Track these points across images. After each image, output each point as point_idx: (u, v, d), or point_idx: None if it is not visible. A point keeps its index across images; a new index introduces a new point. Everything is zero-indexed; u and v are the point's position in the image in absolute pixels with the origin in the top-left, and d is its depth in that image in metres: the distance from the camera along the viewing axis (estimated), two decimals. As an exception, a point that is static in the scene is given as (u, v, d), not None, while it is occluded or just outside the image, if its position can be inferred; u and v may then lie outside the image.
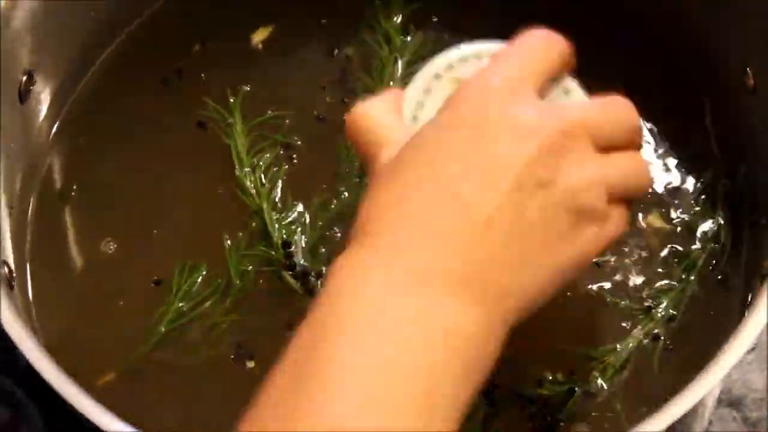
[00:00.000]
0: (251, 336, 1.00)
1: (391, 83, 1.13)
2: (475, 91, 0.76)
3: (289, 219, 1.06)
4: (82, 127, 1.14)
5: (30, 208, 1.09)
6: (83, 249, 1.07)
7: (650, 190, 1.07)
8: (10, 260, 1.01)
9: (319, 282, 1.02)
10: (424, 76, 0.87)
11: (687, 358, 0.98)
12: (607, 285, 1.03)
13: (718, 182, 1.08)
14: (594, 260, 0.88)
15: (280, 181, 1.08)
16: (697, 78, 1.13)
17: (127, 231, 1.07)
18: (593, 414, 0.96)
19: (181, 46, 1.18)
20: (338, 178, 1.09)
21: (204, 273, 1.03)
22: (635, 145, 0.86)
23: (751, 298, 0.99)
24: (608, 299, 1.02)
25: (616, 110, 0.85)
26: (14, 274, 1.00)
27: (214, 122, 1.12)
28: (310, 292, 1.01)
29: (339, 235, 1.05)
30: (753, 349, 1.16)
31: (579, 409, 0.96)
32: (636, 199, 0.87)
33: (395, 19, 1.18)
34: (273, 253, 1.04)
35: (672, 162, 1.10)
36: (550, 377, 0.98)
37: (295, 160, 1.10)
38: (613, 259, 1.04)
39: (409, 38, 1.17)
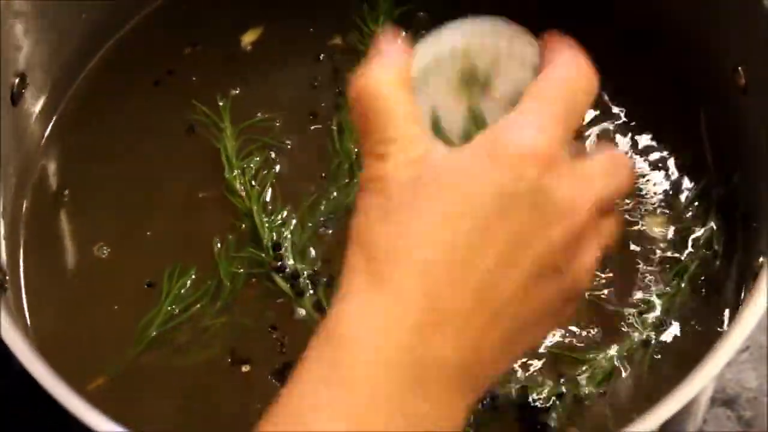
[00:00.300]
0: (244, 339, 1.00)
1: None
2: (511, 149, 0.67)
3: (279, 221, 1.06)
4: (74, 130, 1.14)
5: (23, 211, 1.09)
6: (76, 252, 1.08)
7: (646, 197, 1.08)
8: (4, 263, 1.01)
9: (308, 284, 1.02)
10: (433, 50, 0.80)
11: (677, 363, 0.98)
12: (599, 290, 1.03)
13: (711, 189, 1.08)
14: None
15: (269, 184, 1.09)
16: (690, 80, 1.13)
17: (119, 234, 1.07)
18: (582, 419, 0.96)
19: (172, 49, 1.18)
20: (328, 180, 1.09)
21: (194, 276, 1.03)
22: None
23: (744, 297, 1.00)
24: (600, 304, 1.02)
25: (624, 176, 0.77)
26: (7, 277, 1.00)
27: (204, 126, 1.12)
28: (300, 294, 1.02)
29: (329, 235, 1.06)
30: (747, 348, 1.16)
31: (568, 413, 0.96)
32: None
33: (382, 22, 1.18)
34: (263, 255, 1.04)
35: (666, 169, 1.10)
36: (540, 382, 0.98)
37: (285, 162, 1.11)
38: (606, 264, 1.04)
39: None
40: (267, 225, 1.05)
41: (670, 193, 1.09)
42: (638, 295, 1.03)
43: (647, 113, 1.13)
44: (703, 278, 1.04)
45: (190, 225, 1.07)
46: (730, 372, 1.15)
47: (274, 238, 1.05)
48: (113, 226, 1.08)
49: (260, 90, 1.15)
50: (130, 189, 1.10)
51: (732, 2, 1.03)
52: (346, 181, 1.09)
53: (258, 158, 1.10)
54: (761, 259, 0.96)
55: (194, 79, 1.16)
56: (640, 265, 1.04)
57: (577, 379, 0.98)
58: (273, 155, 1.10)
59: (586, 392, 0.97)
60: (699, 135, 1.11)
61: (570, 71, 0.74)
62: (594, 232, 0.72)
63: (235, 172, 1.09)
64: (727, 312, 1.01)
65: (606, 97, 1.14)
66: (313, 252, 1.04)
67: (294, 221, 1.06)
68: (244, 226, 1.06)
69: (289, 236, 1.05)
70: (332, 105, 1.14)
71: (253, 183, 1.08)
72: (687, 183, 1.09)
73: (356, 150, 1.10)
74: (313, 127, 1.13)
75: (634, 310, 1.02)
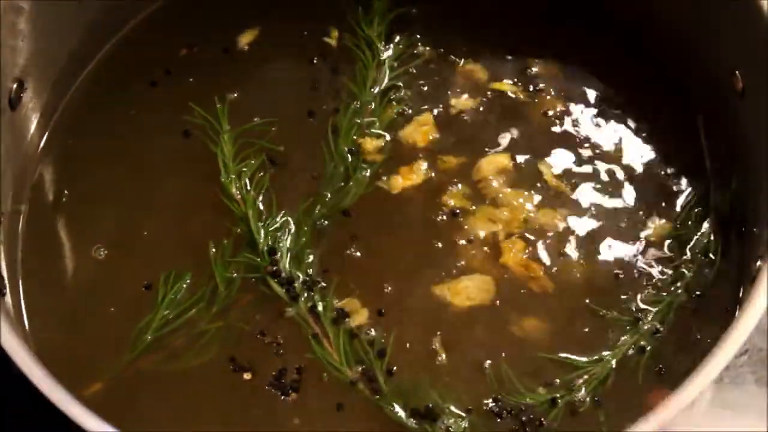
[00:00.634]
0: (239, 344, 1.01)
1: (375, 88, 1.14)
2: None
3: (274, 225, 1.06)
4: (72, 135, 1.15)
5: (21, 215, 1.09)
6: (74, 255, 1.08)
7: (645, 203, 1.08)
8: (2, 268, 1.01)
9: (304, 288, 1.02)
10: None
11: (671, 371, 0.98)
12: (596, 296, 1.03)
13: (709, 195, 1.08)
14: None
15: (265, 188, 1.09)
16: (689, 86, 1.13)
17: (117, 237, 1.08)
18: (576, 425, 0.96)
19: (169, 53, 1.18)
20: (323, 184, 1.09)
21: (189, 280, 1.04)
22: None
23: (741, 300, 1.00)
24: (596, 310, 1.02)
25: None
26: (6, 282, 1.00)
27: (201, 129, 1.13)
28: (295, 299, 1.02)
29: (324, 240, 1.06)
30: (745, 351, 1.16)
31: (561, 419, 0.96)
32: None
33: (377, 24, 1.18)
34: (258, 259, 1.04)
35: (665, 176, 1.10)
36: (534, 387, 0.98)
37: (280, 166, 1.11)
38: (601, 271, 1.05)
39: (391, 45, 1.17)
40: (262, 230, 1.05)
41: (669, 199, 1.09)
42: (634, 302, 1.03)
43: (647, 119, 1.13)
44: (699, 284, 1.04)
45: (187, 228, 1.08)
46: (728, 376, 1.15)
47: (270, 242, 1.05)
48: (111, 229, 1.08)
49: (257, 93, 1.16)
50: (128, 192, 1.10)
51: (729, 7, 1.04)
52: (341, 184, 1.09)
53: (254, 162, 1.10)
54: (758, 263, 0.96)
55: (191, 80, 1.17)
56: (638, 272, 1.04)
57: (571, 385, 0.98)
58: (268, 159, 1.11)
59: (580, 398, 0.97)
60: (698, 141, 1.11)
61: None
62: None
63: (232, 176, 1.09)
64: (724, 316, 1.01)
65: (605, 104, 1.15)
66: (308, 257, 1.04)
67: (289, 226, 1.06)
68: (239, 230, 1.06)
69: (284, 241, 1.05)
70: (328, 107, 1.14)
71: (249, 187, 1.08)
72: (685, 189, 1.09)
73: (351, 153, 1.10)
74: (308, 131, 1.13)
75: (630, 318, 1.01)
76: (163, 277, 1.03)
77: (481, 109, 1.15)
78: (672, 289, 1.03)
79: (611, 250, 1.06)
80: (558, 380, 0.98)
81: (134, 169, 1.11)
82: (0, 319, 0.86)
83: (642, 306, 1.02)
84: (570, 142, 1.12)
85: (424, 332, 1.01)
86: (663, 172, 1.10)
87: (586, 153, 1.12)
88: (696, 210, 1.08)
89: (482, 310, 1.02)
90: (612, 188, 1.10)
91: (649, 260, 1.05)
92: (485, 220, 1.07)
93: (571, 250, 1.06)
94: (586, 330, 1.01)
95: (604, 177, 1.10)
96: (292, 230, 1.06)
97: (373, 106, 1.13)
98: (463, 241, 1.06)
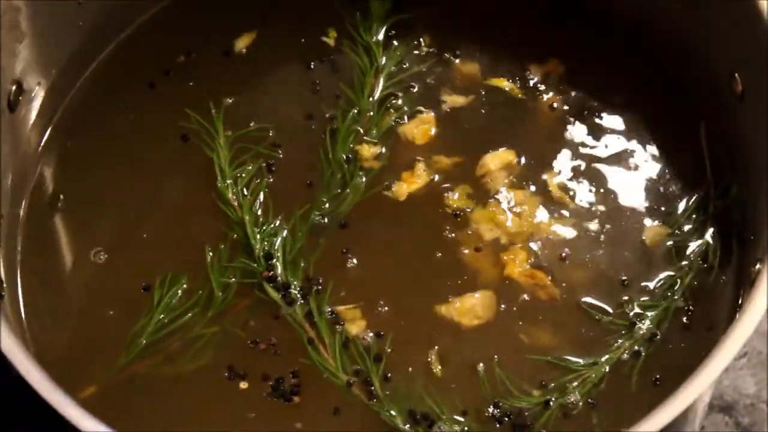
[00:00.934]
0: (235, 349, 1.01)
1: (373, 95, 1.14)
2: None
3: (271, 231, 1.06)
4: (71, 137, 1.15)
5: (20, 217, 1.09)
6: (73, 258, 1.08)
7: (645, 208, 1.08)
8: (1, 270, 1.01)
9: (299, 293, 1.02)
10: None
11: (667, 375, 0.98)
12: (594, 301, 1.03)
13: (709, 201, 1.08)
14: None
15: (261, 193, 1.09)
16: (689, 90, 1.13)
17: (115, 240, 1.08)
18: (570, 428, 0.96)
19: (168, 55, 1.18)
20: (319, 189, 1.09)
21: (184, 285, 1.04)
22: None
23: (741, 303, 1.00)
24: (591, 314, 1.02)
25: None
26: (4, 284, 1.00)
27: (197, 135, 1.13)
28: (291, 304, 1.01)
29: (320, 245, 1.06)
30: (744, 354, 1.16)
31: (554, 422, 0.96)
32: None
33: (375, 30, 1.18)
34: (254, 265, 1.04)
35: (665, 180, 1.10)
36: (527, 390, 0.98)
37: (277, 172, 1.11)
38: (599, 274, 1.05)
39: (390, 51, 1.17)
40: (259, 235, 1.05)
41: (668, 203, 1.09)
42: (631, 306, 1.02)
43: (646, 122, 1.13)
44: (698, 289, 1.03)
45: (184, 232, 1.08)
46: (727, 378, 1.15)
47: (266, 248, 1.04)
48: (110, 231, 1.09)
49: (253, 98, 1.16)
50: (127, 194, 1.10)
51: (729, 8, 1.03)
52: (338, 191, 1.09)
53: (251, 167, 1.10)
54: (758, 266, 0.96)
55: (190, 83, 1.16)
56: (636, 277, 1.04)
57: (566, 388, 0.98)
58: (265, 164, 1.10)
59: (574, 401, 0.97)
60: (698, 144, 1.11)
61: None
62: None
63: (228, 182, 1.09)
64: (722, 320, 1.01)
65: (604, 105, 1.15)
66: (303, 262, 1.04)
67: (285, 231, 1.06)
68: (236, 235, 1.06)
69: (280, 246, 1.05)
70: (325, 113, 1.14)
71: (246, 192, 1.08)
72: (685, 193, 1.09)
73: (348, 160, 1.10)
74: (306, 137, 1.13)
75: (626, 321, 1.01)
76: (159, 281, 1.03)
77: (481, 110, 1.14)
78: (669, 294, 1.03)
79: (609, 254, 1.06)
80: (552, 383, 0.98)
81: (133, 171, 1.12)
82: (-1, 322, 0.86)
83: (638, 310, 1.02)
84: (569, 142, 1.12)
85: (423, 341, 1.01)
86: (662, 176, 1.10)
87: (585, 154, 1.11)
88: (695, 214, 1.07)
89: (489, 326, 1.02)
90: (610, 191, 1.09)
91: (647, 265, 1.05)
92: (488, 220, 1.07)
93: (570, 255, 1.06)
94: (583, 333, 1.01)
95: (603, 180, 1.10)
96: (288, 236, 1.06)
97: (371, 114, 1.13)
98: (466, 250, 1.06)
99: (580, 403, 0.97)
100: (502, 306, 1.03)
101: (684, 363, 0.94)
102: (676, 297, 1.02)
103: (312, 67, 1.17)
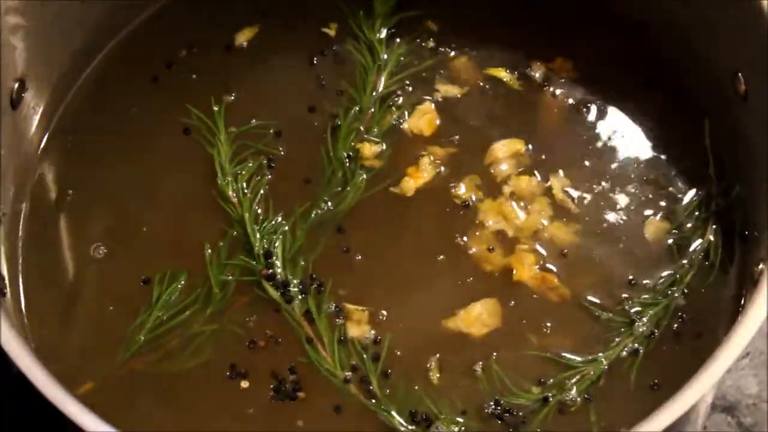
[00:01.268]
0: (234, 347, 1.00)
1: (374, 93, 1.14)
2: None
3: (271, 228, 1.06)
4: (73, 134, 1.15)
5: (22, 214, 1.09)
6: (74, 254, 1.08)
7: (648, 207, 1.08)
8: (3, 267, 1.01)
9: (299, 291, 1.02)
10: None
11: (664, 375, 0.98)
12: (593, 297, 1.03)
13: (712, 200, 1.08)
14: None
15: (262, 190, 1.09)
16: (693, 90, 1.13)
17: (116, 237, 1.08)
18: (567, 424, 0.96)
19: (170, 51, 1.18)
20: (320, 187, 1.09)
21: (183, 282, 1.04)
22: None
23: (744, 303, 1.00)
24: (591, 311, 1.02)
25: None
26: (6, 281, 1.00)
27: (198, 131, 1.13)
28: (290, 302, 1.01)
29: (320, 243, 1.05)
30: (747, 354, 1.16)
31: (552, 419, 0.96)
32: None
33: (378, 28, 1.18)
34: (254, 262, 1.04)
35: (667, 179, 1.10)
36: (526, 386, 0.98)
37: (277, 169, 1.10)
38: (600, 271, 1.05)
39: (392, 49, 1.17)
40: (258, 233, 1.05)
41: (670, 202, 1.08)
42: (630, 303, 1.02)
43: (648, 121, 1.13)
44: (699, 287, 1.03)
45: (185, 229, 1.08)
46: (730, 378, 1.15)
47: (265, 246, 1.04)
48: (111, 228, 1.09)
49: (255, 94, 1.16)
50: (128, 191, 1.10)
51: (731, 7, 1.03)
52: (339, 189, 1.09)
53: (251, 164, 1.10)
54: (761, 266, 0.96)
55: (192, 79, 1.16)
56: (637, 275, 1.04)
57: (563, 384, 0.98)
58: (266, 161, 1.10)
59: (572, 398, 0.97)
60: (701, 144, 1.11)
61: None
62: None
63: (228, 179, 1.09)
64: (724, 320, 1.01)
65: (605, 105, 1.14)
66: (303, 260, 1.04)
67: (285, 229, 1.06)
68: (235, 232, 1.06)
69: (280, 244, 1.05)
70: (327, 111, 1.14)
71: (246, 190, 1.08)
72: (688, 192, 1.09)
73: (349, 158, 1.10)
74: (307, 134, 1.12)
75: (626, 319, 1.01)
76: (158, 278, 1.03)
77: (483, 104, 1.14)
78: (670, 291, 1.03)
79: (610, 251, 1.06)
80: (550, 379, 0.98)
81: (134, 167, 1.12)
82: (0, 319, 0.86)
83: (638, 308, 1.02)
84: (572, 140, 1.12)
85: (424, 341, 1.01)
86: (665, 173, 1.10)
87: (586, 154, 1.11)
88: (697, 212, 1.07)
89: (497, 332, 1.02)
90: (612, 188, 1.09)
91: (648, 263, 1.05)
92: (496, 212, 1.07)
93: (571, 252, 1.05)
94: (582, 330, 1.01)
95: (605, 177, 1.10)
96: (288, 234, 1.06)
97: (372, 111, 1.13)
98: (474, 249, 1.05)
99: (579, 400, 0.97)
100: (508, 309, 1.02)
101: (684, 362, 0.94)
102: (676, 295, 1.02)
103: (314, 62, 1.17)
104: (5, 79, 1.04)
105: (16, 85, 1.06)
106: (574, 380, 0.98)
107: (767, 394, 1.14)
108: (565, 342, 1.01)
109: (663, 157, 1.11)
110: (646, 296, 1.03)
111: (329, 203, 1.08)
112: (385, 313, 1.02)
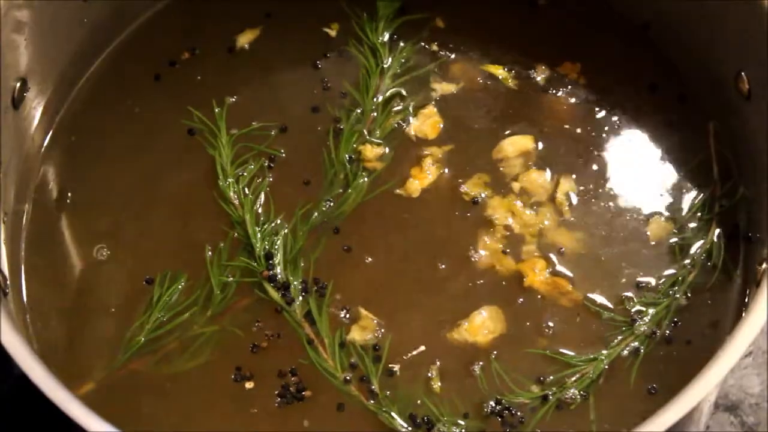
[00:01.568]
0: (237, 351, 1.00)
1: (377, 96, 1.14)
2: None
3: (271, 230, 1.06)
4: (75, 134, 1.15)
5: (24, 215, 1.09)
6: (76, 254, 1.08)
7: (651, 207, 1.08)
8: (5, 267, 1.01)
9: (299, 293, 1.02)
10: None
11: (664, 375, 0.98)
12: (595, 296, 1.03)
13: (715, 201, 1.08)
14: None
15: (263, 192, 1.09)
16: (696, 91, 1.13)
17: (118, 238, 1.08)
18: (566, 422, 0.96)
19: (173, 52, 1.18)
20: (322, 190, 1.09)
21: (183, 283, 1.04)
22: None
23: (747, 303, 0.99)
24: (592, 310, 1.02)
25: None
26: (8, 282, 1.00)
27: (200, 132, 1.13)
28: (291, 304, 1.01)
29: (321, 245, 1.05)
30: (749, 353, 1.16)
31: (551, 417, 0.96)
32: None
33: (382, 31, 1.18)
34: (254, 264, 1.04)
35: (672, 180, 1.10)
36: (526, 384, 0.98)
37: (279, 171, 1.10)
38: (602, 271, 1.04)
39: (395, 52, 1.17)
40: (259, 234, 1.05)
41: (674, 203, 1.08)
42: (632, 302, 1.02)
43: (651, 122, 1.13)
44: (702, 288, 1.03)
45: (184, 231, 1.08)
46: (732, 377, 1.15)
47: (266, 247, 1.04)
48: (113, 228, 1.09)
49: (256, 96, 1.16)
50: (130, 192, 1.10)
51: (733, 7, 1.03)
52: (340, 191, 1.09)
53: (252, 166, 1.10)
54: (764, 266, 0.96)
55: (195, 80, 1.16)
56: (637, 274, 1.04)
57: (563, 382, 0.98)
58: (267, 163, 1.10)
59: (571, 396, 0.97)
60: (705, 144, 1.11)
61: None
62: None
63: (230, 180, 1.09)
64: (727, 320, 1.01)
65: (608, 105, 1.14)
66: (304, 262, 1.04)
67: (286, 231, 1.06)
68: (236, 234, 1.06)
69: (281, 245, 1.05)
70: (329, 113, 1.13)
71: (247, 191, 1.08)
72: (691, 193, 1.09)
73: (351, 160, 1.10)
74: (309, 136, 1.12)
75: (627, 318, 1.01)
76: (159, 279, 1.04)
77: (484, 109, 1.14)
78: (671, 291, 1.03)
79: (613, 250, 1.06)
80: (550, 377, 0.98)
81: (136, 168, 1.12)
82: (1, 320, 0.86)
83: (639, 308, 1.02)
84: (575, 141, 1.12)
85: (425, 348, 1.01)
86: (669, 174, 1.10)
87: (588, 154, 1.11)
88: (701, 213, 1.07)
89: (503, 337, 1.02)
90: (616, 188, 1.09)
91: (650, 262, 1.05)
92: (506, 208, 1.07)
93: (574, 251, 1.05)
94: (583, 329, 1.01)
95: (608, 179, 1.10)
96: (289, 236, 1.05)
97: (375, 114, 1.13)
98: (483, 252, 1.05)
99: (578, 398, 0.97)
100: (513, 312, 1.02)
101: (685, 362, 0.95)
102: (678, 295, 1.02)
103: (317, 64, 1.17)
104: (7, 78, 1.04)
105: (18, 85, 1.06)
106: (573, 379, 0.98)
107: (770, 393, 1.14)
108: (567, 341, 1.01)
109: (667, 158, 1.11)
110: (648, 296, 1.03)
111: (330, 205, 1.08)
112: (387, 310, 1.02)
